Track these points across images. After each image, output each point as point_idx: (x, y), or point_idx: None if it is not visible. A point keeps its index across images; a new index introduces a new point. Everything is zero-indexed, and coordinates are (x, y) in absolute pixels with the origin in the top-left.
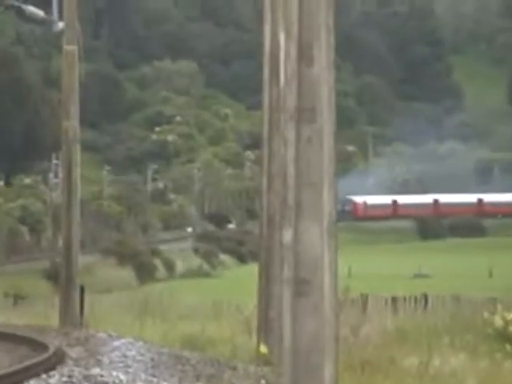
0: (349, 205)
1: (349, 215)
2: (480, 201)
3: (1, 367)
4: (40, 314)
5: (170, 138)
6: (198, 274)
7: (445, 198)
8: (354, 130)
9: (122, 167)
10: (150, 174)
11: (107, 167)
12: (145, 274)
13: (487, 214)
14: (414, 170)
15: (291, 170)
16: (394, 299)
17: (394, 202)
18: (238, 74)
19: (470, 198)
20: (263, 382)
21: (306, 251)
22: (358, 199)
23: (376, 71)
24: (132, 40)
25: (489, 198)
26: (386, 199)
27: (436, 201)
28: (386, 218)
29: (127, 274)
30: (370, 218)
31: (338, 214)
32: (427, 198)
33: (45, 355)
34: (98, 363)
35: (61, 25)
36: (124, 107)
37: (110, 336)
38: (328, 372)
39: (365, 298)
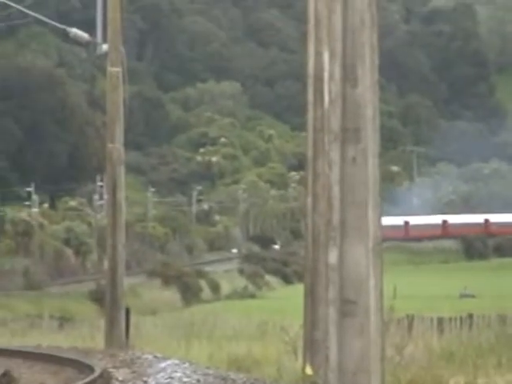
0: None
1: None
2: None
3: None
4: (85, 335)
5: (214, 159)
6: (243, 295)
7: (494, 218)
8: (398, 150)
9: (167, 189)
10: (194, 195)
11: (152, 189)
12: (190, 295)
13: None
14: (459, 189)
15: (336, 190)
16: (440, 319)
17: (444, 221)
18: (282, 94)
19: None
20: None
21: (351, 272)
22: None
23: (420, 91)
24: (176, 61)
25: None
26: (430, 219)
27: (487, 220)
28: (430, 238)
29: (172, 295)
30: (412, 239)
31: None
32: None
33: (91, 377)
34: None
35: (105, 47)
36: (168, 129)
37: (155, 357)
38: None
39: (410, 319)
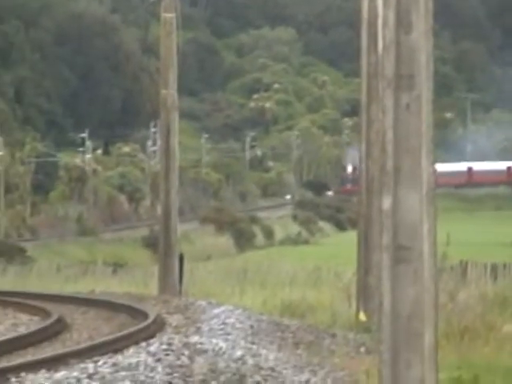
0: None
1: None
2: None
3: (101, 335)
4: (139, 282)
5: (268, 105)
6: (296, 241)
7: None
8: (452, 97)
9: (221, 135)
10: (248, 141)
11: (205, 135)
12: (244, 241)
13: None
14: None
15: (390, 136)
16: (494, 266)
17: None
18: (336, 40)
19: None
20: (362, 349)
21: (405, 218)
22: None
23: (474, 37)
24: (230, 7)
25: None
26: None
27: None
28: (458, 185)
29: (226, 241)
30: (441, 186)
31: None
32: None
33: (144, 323)
34: (198, 331)
35: None
36: (222, 75)
37: (209, 304)
38: (428, 338)
39: (464, 265)
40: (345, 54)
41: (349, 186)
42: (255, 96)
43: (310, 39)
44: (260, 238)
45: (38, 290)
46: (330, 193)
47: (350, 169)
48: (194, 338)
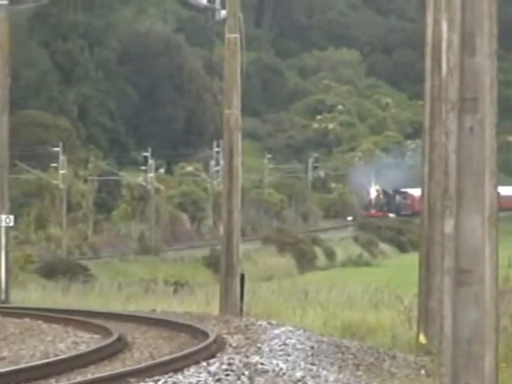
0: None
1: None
2: None
3: (161, 354)
4: (200, 301)
5: (331, 126)
6: (358, 262)
7: None
8: None
9: (283, 155)
10: (310, 162)
11: (268, 155)
12: (305, 262)
13: None
14: None
15: (453, 159)
16: None
17: None
18: (399, 62)
19: None
20: (423, 371)
21: (466, 241)
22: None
23: None
24: (294, 28)
25: None
26: None
27: None
28: None
29: (287, 262)
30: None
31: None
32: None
33: (205, 343)
34: (258, 351)
35: (223, 13)
36: (285, 95)
37: (270, 324)
38: (488, 362)
39: None
40: (408, 75)
41: (372, 212)
42: (318, 117)
43: (373, 61)
44: (321, 259)
45: (100, 308)
46: (391, 215)
47: (372, 193)
48: (255, 359)
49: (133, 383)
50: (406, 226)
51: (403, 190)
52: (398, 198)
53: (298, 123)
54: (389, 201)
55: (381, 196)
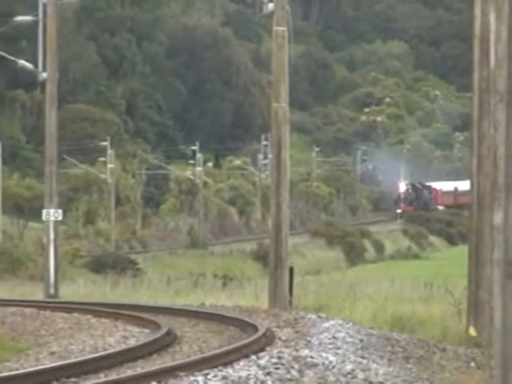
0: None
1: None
2: None
3: (211, 348)
4: (249, 295)
5: (379, 119)
6: (407, 255)
7: None
8: None
9: (331, 148)
10: (359, 155)
11: (316, 148)
12: (354, 255)
13: None
14: None
15: (501, 151)
16: None
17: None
18: (447, 55)
19: None
20: (473, 363)
21: None
22: (438, 185)
23: None
24: (341, 21)
25: None
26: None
27: None
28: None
29: (336, 255)
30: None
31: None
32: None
33: (254, 336)
34: (308, 345)
35: (271, 6)
36: (333, 88)
37: (319, 317)
38: None
39: None
40: (456, 67)
41: (402, 206)
42: (366, 110)
43: (421, 53)
44: (370, 252)
45: (149, 302)
46: (440, 207)
47: (402, 188)
48: (304, 352)
49: (182, 377)
50: (456, 218)
51: (428, 184)
52: (425, 192)
53: (345, 116)
54: (418, 195)
55: (410, 191)
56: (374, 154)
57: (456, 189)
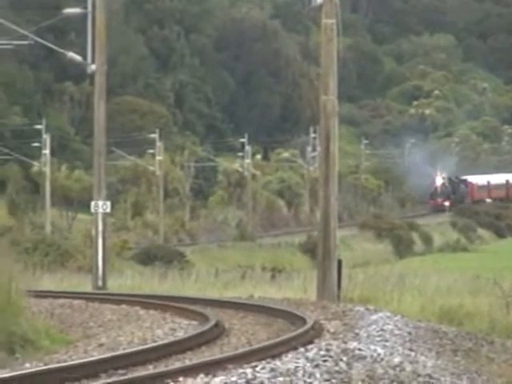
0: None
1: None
2: None
3: (259, 340)
4: (297, 287)
5: (427, 111)
6: (455, 248)
7: None
8: None
9: (380, 141)
10: (407, 147)
11: (365, 141)
12: (402, 247)
13: None
14: None
15: None
16: None
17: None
18: (496, 48)
19: None
20: None
21: None
22: (474, 179)
23: None
24: (390, 14)
25: None
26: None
27: None
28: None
29: (384, 247)
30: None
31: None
32: None
33: (303, 329)
34: (356, 337)
35: None
36: (382, 81)
37: (367, 310)
38: None
39: None
40: (505, 60)
41: (439, 200)
42: (415, 103)
43: (469, 46)
44: (419, 245)
45: (197, 294)
46: (489, 200)
47: (438, 181)
48: (352, 344)
49: (230, 369)
50: (504, 211)
51: (464, 177)
52: (462, 186)
53: (394, 109)
54: (454, 189)
55: (446, 184)
56: (423, 147)
57: (489, 183)
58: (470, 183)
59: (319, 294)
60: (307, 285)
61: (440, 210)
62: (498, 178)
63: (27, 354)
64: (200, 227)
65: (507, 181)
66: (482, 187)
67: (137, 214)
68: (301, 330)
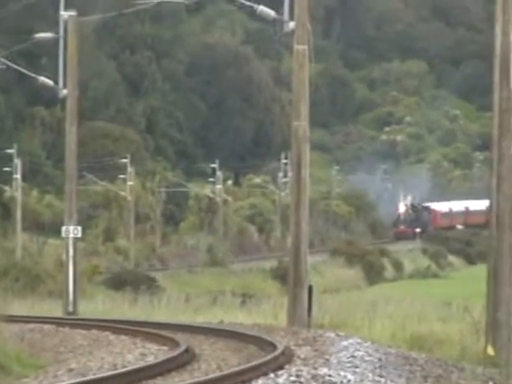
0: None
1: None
2: None
3: (229, 366)
4: (268, 313)
5: (399, 138)
6: (425, 274)
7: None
8: None
9: (351, 167)
10: (379, 173)
11: (336, 167)
12: (373, 274)
13: None
14: None
15: None
16: None
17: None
18: (468, 74)
19: None
20: (491, 383)
21: None
22: (437, 206)
23: None
24: (362, 40)
25: None
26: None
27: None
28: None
29: (356, 273)
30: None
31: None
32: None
33: (273, 354)
34: (326, 363)
35: (292, 24)
36: (354, 107)
37: (338, 336)
38: None
39: None
40: (477, 87)
41: (402, 228)
42: (387, 129)
43: (441, 72)
44: (390, 271)
45: (167, 319)
46: (460, 226)
47: (401, 208)
48: (323, 370)
49: None
50: (475, 237)
51: (427, 204)
52: (424, 213)
53: (366, 135)
54: (417, 216)
55: (409, 211)
56: (394, 173)
57: (451, 210)
58: (433, 210)
59: (290, 319)
60: (278, 310)
61: (403, 237)
62: (459, 205)
63: None
64: (171, 252)
65: (467, 208)
66: (444, 214)
67: (108, 239)
68: (271, 356)
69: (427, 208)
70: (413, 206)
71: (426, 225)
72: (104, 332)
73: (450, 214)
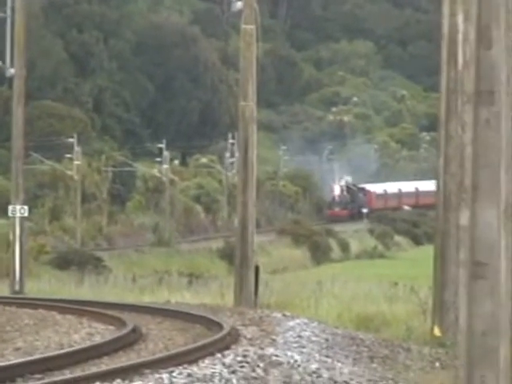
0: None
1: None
2: None
3: (176, 346)
4: (215, 293)
5: (346, 118)
6: (372, 255)
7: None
8: None
9: (298, 147)
10: (325, 154)
11: (283, 147)
12: (320, 254)
13: None
14: None
15: (468, 152)
16: None
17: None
18: (415, 55)
19: None
20: (438, 363)
21: (482, 234)
22: (372, 187)
23: None
24: (309, 20)
25: None
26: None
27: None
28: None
29: (302, 254)
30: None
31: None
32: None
33: (219, 334)
34: (273, 343)
35: (239, 4)
36: (300, 87)
37: (284, 316)
38: (503, 354)
39: None
40: (424, 68)
41: (336, 210)
42: (334, 109)
43: (389, 53)
44: (336, 251)
45: (114, 299)
46: (406, 207)
47: (336, 190)
48: (269, 351)
49: (147, 374)
50: (421, 218)
51: (362, 185)
52: (360, 195)
53: (313, 115)
54: (353, 198)
55: (345, 193)
56: (341, 154)
57: (385, 191)
58: (368, 192)
59: (236, 299)
60: (224, 291)
61: (337, 220)
62: (393, 187)
63: None
64: (117, 232)
65: (400, 190)
66: (379, 196)
67: (54, 219)
68: (218, 336)
69: (363, 189)
70: (348, 188)
71: (361, 207)
72: (51, 311)
73: (384, 196)
